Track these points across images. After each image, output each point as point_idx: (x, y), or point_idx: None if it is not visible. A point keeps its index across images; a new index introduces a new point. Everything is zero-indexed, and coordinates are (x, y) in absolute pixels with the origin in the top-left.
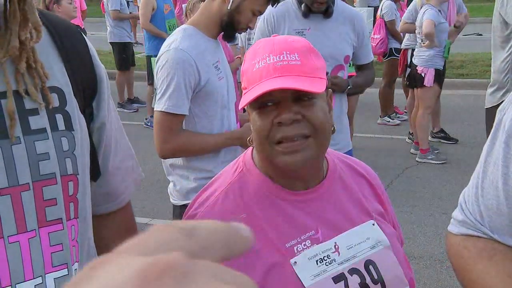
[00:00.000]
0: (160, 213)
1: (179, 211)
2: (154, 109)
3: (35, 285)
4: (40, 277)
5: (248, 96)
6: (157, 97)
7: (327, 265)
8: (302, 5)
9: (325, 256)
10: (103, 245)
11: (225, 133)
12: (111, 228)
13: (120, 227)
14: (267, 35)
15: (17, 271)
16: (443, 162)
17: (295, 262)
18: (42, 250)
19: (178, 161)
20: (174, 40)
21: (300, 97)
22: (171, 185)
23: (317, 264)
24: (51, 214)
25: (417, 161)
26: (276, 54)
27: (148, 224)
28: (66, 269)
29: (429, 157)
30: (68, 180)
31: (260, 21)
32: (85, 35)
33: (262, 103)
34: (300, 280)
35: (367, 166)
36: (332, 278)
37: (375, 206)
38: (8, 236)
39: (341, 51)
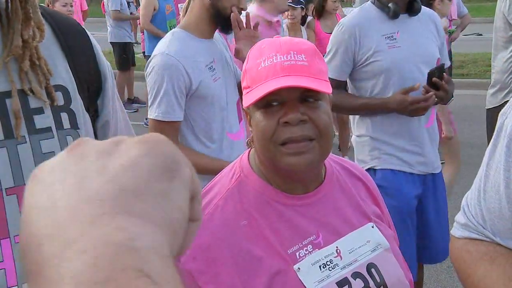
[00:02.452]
0: None
1: None
2: (148, 117)
3: None
4: None
5: (254, 95)
6: (148, 104)
7: (330, 270)
8: (390, 4)
9: (328, 261)
10: None
11: (221, 161)
12: None
13: None
14: (352, 49)
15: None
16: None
17: (299, 268)
18: None
19: None
20: (161, 45)
21: (306, 98)
22: None
23: (320, 269)
24: None
25: None
26: (283, 53)
27: None
28: None
29: None
30: None
31: (340, 32)
32: None
33: (268, 102)
34: (305, 287)
35: (361, 168)
36: (336, 283)
37: (372, 208)
38: (14, 236)
39: (434, 54)
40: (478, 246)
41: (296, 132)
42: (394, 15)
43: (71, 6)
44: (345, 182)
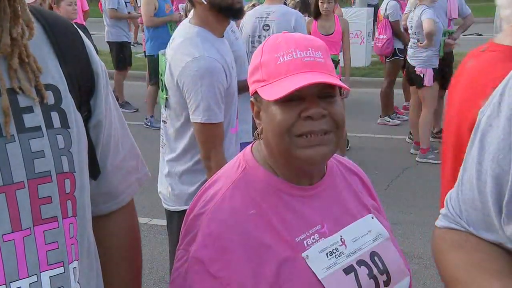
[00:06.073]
0: (160, 213)
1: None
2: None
3: (30, 284)
4: (35, 275)
5: (279, 89)
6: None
7: (336, 258)
8: None
9: (334, 249)
10: (104, 245)
11: None
12: (112, 227)
13: (121, 226)
14: None
15: (12, 269)
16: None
17: (307, 256)
18: (37, 249)
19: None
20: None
21: (324, 94)
22: (167, 189)
23: (327, 257)
24: (46, 212)
25: (417, 161)
26: (302, 49)
27: (148, 224)
28: (62, 267)
29: (429, 156)
30: (64, 178)
31: None
32: (90, 35)
33: (287, 97)
34: (314, 273)
35: (356, 165)
36: (343, 270)
37: (370, 201)
38: (2, 235)
39: None
40: (452, 235)
41: (317, 126)
42: None
43: (75, 5)
44: (344, 176)
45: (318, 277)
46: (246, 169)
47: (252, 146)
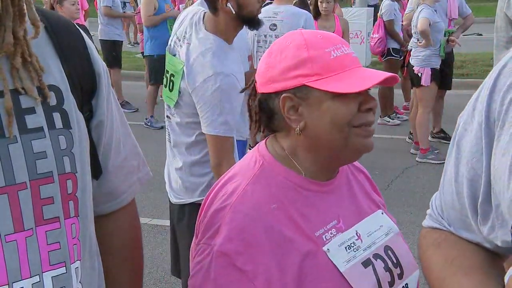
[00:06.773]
0: (160, 213)
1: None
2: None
3: (32, 284)
4: (38, 276)
5: (350, 81)
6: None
7: (354, 251)
8: None
9: (351, 243)
10: (106, 245)
11: None
12: (113, 227)
13: (122, 226)
14: None
15: (14, 270)
16: (443, 162)
17: (328, 250)
18: (39, 249)
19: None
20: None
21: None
22: (176, 182)
23: (346, 250)
24: (48, 213)
25: (417, 161)
26: (346, 45)
27: (148, 224)
28: (64, 267)
29: (429, 157)
30: (66, 179)
31: None
32: (90, 35)
33: (367, 89)
34: (336, 266)
35: (357, 162)
36: (362, 263)
37: (377, 197)
38: (5, 235)
39: None
40: (433, 234)
41: (372, 117)
42: None
43: (78, 4)
44: (353, 173)
45: (339, 270)
46: (264, 165)
47: (265, 142)
